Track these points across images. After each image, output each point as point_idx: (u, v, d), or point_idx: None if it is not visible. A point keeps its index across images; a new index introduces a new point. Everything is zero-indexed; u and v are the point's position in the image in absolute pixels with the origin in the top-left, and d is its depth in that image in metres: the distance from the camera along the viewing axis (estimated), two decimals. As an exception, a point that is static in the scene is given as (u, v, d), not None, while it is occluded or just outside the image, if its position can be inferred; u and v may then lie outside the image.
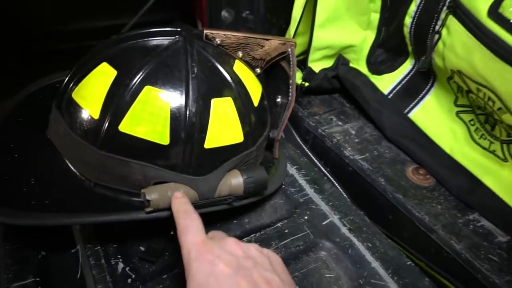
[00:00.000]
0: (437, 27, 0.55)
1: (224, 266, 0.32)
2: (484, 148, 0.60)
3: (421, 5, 0.61)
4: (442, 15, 0.54)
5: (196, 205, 0.43)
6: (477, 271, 0.49)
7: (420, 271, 0.49)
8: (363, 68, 0.76)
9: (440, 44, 0.55)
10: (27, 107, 0.54)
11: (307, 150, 0.74)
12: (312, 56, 0.72)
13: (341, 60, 0.75)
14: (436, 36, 0.54)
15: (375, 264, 0.49)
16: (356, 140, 0.70)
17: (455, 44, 0.53)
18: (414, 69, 0.68)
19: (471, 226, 0.55)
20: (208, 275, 0.32)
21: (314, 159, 0.72)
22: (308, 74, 0.74)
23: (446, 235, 0.54)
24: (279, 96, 0.57)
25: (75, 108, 0.43)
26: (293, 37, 0.67)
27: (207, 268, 0.32)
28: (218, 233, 0.40)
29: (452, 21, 0.52)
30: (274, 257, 0.38)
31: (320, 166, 0.71)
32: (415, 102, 0.67)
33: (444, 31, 0.54)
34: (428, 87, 0.66)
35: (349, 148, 0.68)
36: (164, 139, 0.41)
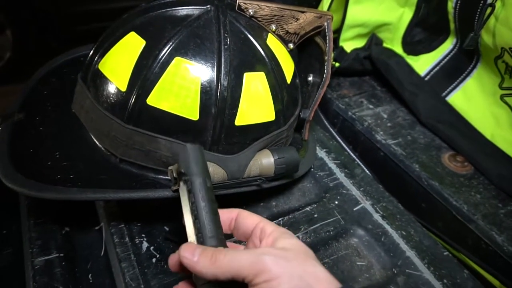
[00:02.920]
0: (489, 0, 0.51)
1: None
2: (530, 135, 0.56)
3: (471, -24, 0.55)
4: (498, -14, 0.50)
5: (225, 185, 0.41)
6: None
7: (458, 262, 0.47)
8: (397, 48, 0.72)
9: (491, 18, 0.51)
10: (51, 80, 0.52)
11: (335, 134, 0.71)
12: (344, 34, 0.69)
13: (374, 40, 0.71)
14: (488, 10, 0.49)
15: (410, 253, 0.47)
16: (389, 124, 0.67)
17: (511, 17, 0.49)
18: (456, 49, 0.64)
19: (513, 217, 0.52)
20: None
21: (342, 143, 0.69)
22: (339, 54, 0.71)
23: (486, 226, 0.51)
24: (311, 75, 0.54)
25: (101, 80, 0.41)
26: (327, 12, 0.64)
27: None
28: None
29: (510, -9, 0.48)
30: None
31: (349, 150, 0.68)
32: (454, 84, 0.63)
33: (498, 4, 0.49)
34: (470, 68, 0.61)
35: (381, 132, 0.65)
36: (193, 114, 0.39)
